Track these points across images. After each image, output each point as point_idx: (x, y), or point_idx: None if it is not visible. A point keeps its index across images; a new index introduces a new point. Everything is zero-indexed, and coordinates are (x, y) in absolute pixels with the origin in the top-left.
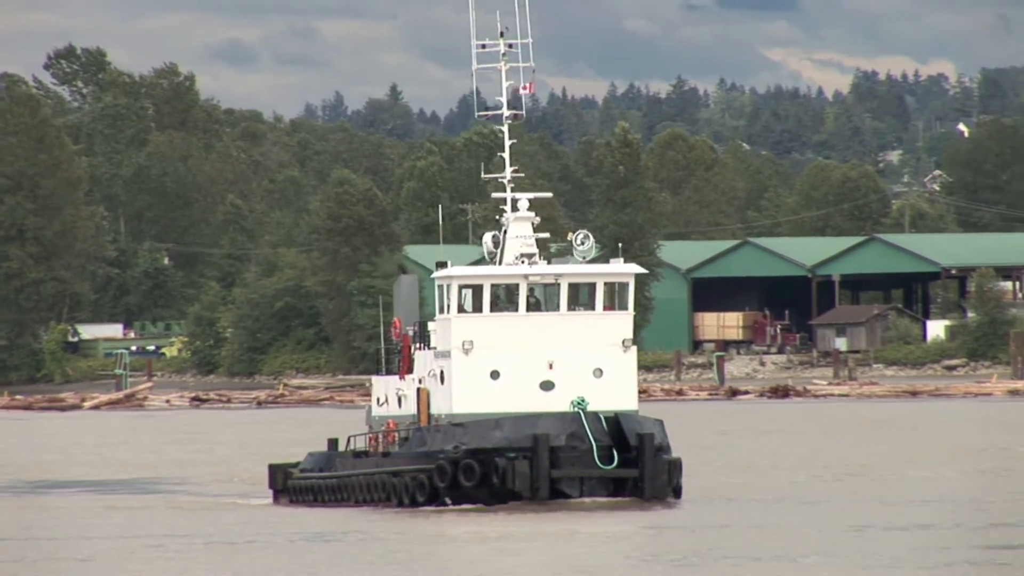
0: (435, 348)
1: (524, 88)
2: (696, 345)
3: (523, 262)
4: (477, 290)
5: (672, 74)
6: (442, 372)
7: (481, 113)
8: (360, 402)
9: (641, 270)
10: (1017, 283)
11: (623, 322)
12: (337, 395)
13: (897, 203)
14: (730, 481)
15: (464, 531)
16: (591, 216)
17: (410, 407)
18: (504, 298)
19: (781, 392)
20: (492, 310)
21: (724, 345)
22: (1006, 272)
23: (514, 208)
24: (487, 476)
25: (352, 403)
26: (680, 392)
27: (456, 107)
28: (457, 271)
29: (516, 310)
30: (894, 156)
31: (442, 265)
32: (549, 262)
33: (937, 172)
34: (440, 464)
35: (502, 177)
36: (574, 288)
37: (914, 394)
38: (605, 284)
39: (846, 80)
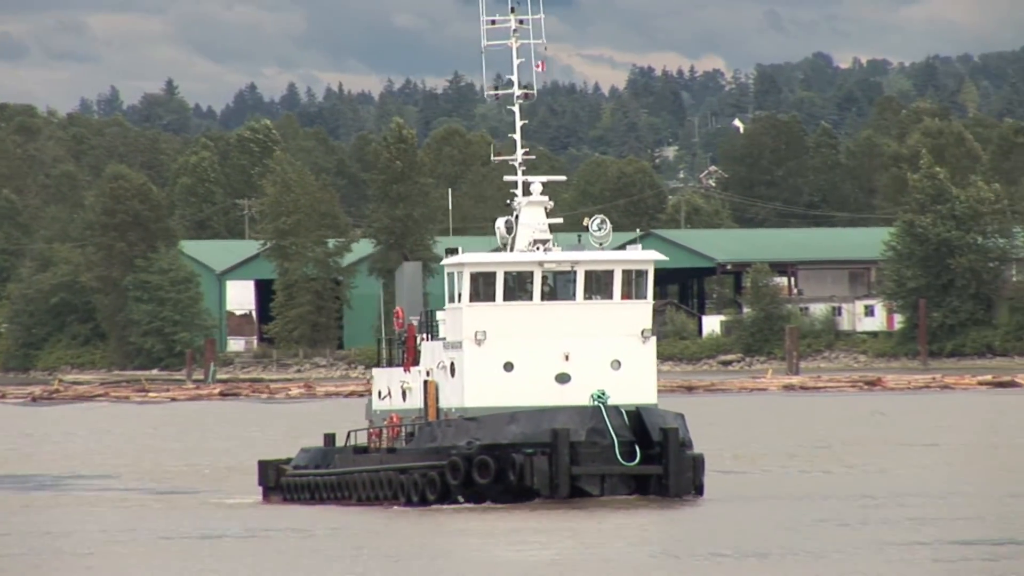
0: (444, 339)
1: (536, 66)
2: None
3: (537, 249)
4: (488, 278)
5: (446, 69)
6: (452, 364)
7: (491, 92)
8: (135, 398)
9: (661, 257)
10: (792, 279)
11: (642, 311)
12: (112, 391)
13: (673, 199)
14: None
15: (485, 529)
16: (367, 211)
17: (415, 401)
18: (516, 286)
19: None
20: (505, 299)
21: None
22: (781, 267)
23: (526, 192)
24: (503, 473)
25: (127, 399)
26: None
27: (232, 102)
28: (469, 258)
29: (530, 299)
30: (670, 152)
31: (453, 252)
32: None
33: (713, 168)
34: (453, 460)
35: (513, 159)
36: (590, 276)
37: (690, 389)
38: (623, 272)
39: (619, 76)
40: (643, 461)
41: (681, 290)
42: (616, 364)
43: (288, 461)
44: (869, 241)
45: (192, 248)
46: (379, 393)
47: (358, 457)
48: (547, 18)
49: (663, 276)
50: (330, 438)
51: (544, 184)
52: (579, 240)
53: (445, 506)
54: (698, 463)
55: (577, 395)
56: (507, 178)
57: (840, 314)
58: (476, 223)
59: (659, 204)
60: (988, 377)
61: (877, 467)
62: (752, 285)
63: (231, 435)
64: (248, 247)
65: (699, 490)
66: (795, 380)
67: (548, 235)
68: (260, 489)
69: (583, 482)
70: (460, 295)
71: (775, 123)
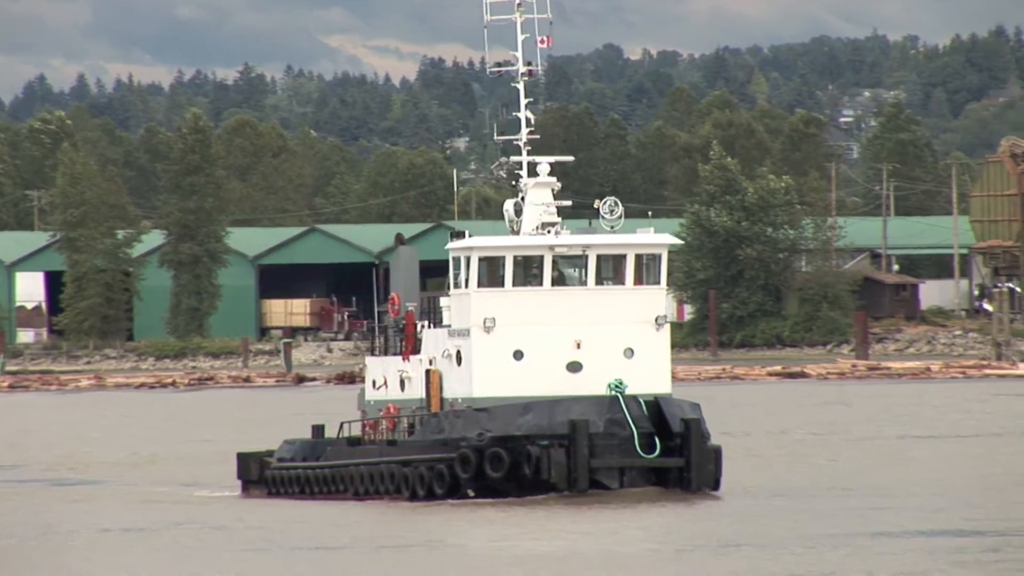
0: (449, 326)
1: (541, 41)
2: (263, 332)
3: (547, 232)
4: (495, 262)
5: (234, 61)
6: (459, 352)
7: (493, 68)
8: None
9: (676, 241)
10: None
11: (656, 297)
12: None
13: (463, 190)
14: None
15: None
16: (158, 203)
17: (415, 391)
18: (523, 271)
19: (348, 378)
20: (514, 284)
21: (291, 332)
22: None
23: (533, 173)
24: (517, 466)
25: None
26: (248, 379)
27: (21, 93)
28: (477, 241)
29: (539, 284)
30: (461, 143)
31: (459, 235)
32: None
33: (504, 159)
34: (463, 453)
35: (517, 139)
36: (601, 260)
37: None
38: (636, 256)
39: (407, 67)
40: (663, 453)
41: None
42: (629, 352)
43: (269, 453)
44: (659, 232)
45: None
46: (373, 383)
47: (353, 449)
48: (332, 10)
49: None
50: (319, 429)
51: (552, 164)
52: (589, 224)
53: (454, 500)
54: (718, 456)
55: (589, 384)
56: (513, 159)
57: None
58: (267, 214)
59: (450, 195)
60: (778, 368)
61: None
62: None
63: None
64: (38, 239)
65: (716, 484)
66: None
67: (556, 218)
68: (239, 483)
69: (601, 475)
70: (468, 280)
71: (566, 114)
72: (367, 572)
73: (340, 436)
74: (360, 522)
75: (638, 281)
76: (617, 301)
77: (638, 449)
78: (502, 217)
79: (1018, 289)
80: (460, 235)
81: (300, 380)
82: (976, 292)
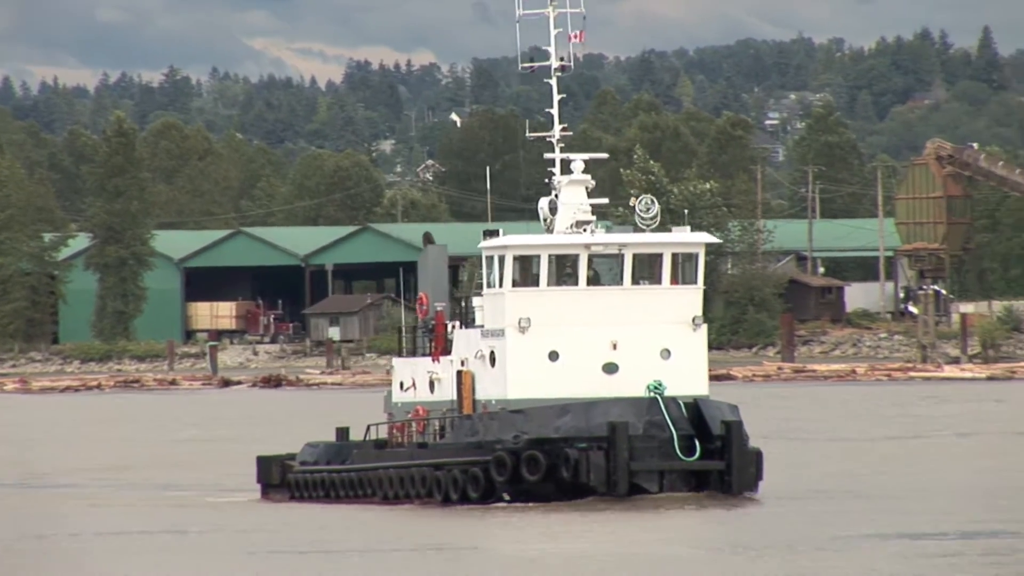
0: (481, 326)
1: (574, 36)
2: (189, 335)
3: (583, 231)
4: (528, 261)
5: (159, 63)
6: (492, 353)
7: (526, 65)
8: None
9: (713, 240)
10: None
11: (692, 297)
12: None
13: (389, 192)
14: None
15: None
16: (82, 205)
17: (445, 392)
18: (556, 271)
19: (274, 381)
20: (549, 284)
21: (217, 335)
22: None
23: (566, 170)
24: (554, 469)
25: None
26: (173, 382)
27: None
28: (511, 240)
29: (575, 284)
30: (387, 146)
31: (492, 234)
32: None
33: (430, 162)
34: (499, 456)
35: (550, 136)
36: (637, 259)
37: None
38: (672, 255)
39: (330, 69)
40: (703, 456)
41: (398, 283)
42: (666, 353)
43: (290, 456)
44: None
45: None
46: (400, 384)
47: (381, 452)
48: (255, 13)
49: (381, 270)
50: (343, 432)
51: (586, 162)
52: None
53: (489, 504)
54: (759, 459)
55: (625, 386)
56: (546, 155)
57: None
58: (193, 216)
59: (376, 198)
60: None
61: None
62: (469, 278)
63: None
64: None
65: (755, 487)
66: None
67: (591, 216)
68: (259, 487)
69: (641, 478)
70: (502, 280)
71: (492, 117)
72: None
73: (367, 439)
74: (396, 526)
75: (674, 280)
76: (653, 301)
77: (678, 452)
78: (429, 219)
79: (943, 292)
80: (493, 234)
81: (226, 383)
82: (901, 295)
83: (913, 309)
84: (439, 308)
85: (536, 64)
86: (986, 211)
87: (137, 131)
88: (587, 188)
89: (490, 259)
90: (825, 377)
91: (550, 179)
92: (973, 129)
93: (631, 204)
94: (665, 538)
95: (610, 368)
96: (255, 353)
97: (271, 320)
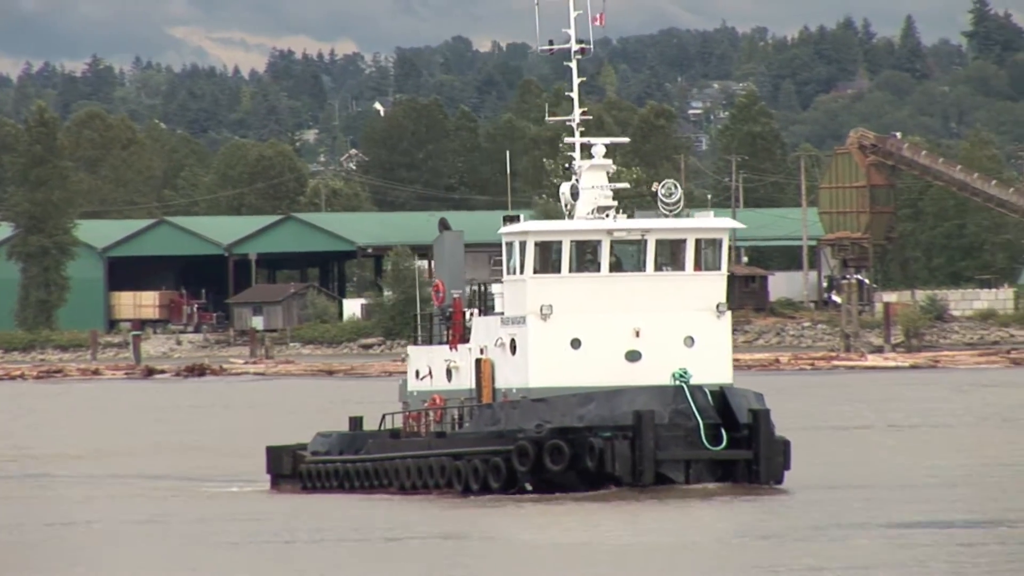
0: (502, 313)
1: (594, 20)
2: (112, 324)
3: (605, 216)
4: (547, 247)
5: (82, 53)
6: (513, 341)
7: (544, 47)
8: None
9: (738, 225)
10: (432, 262)
11: (716, 284)
12: None
13: (312, 182)
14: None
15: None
16: (5, 195)
17: (463, 381)
18: (577, 257)
19: (197, 371)
20: (571, 270)
21: (141, 324)
22: (421, 251)
23: (587, 155)
24: (578, 458)
25: None
26: (96, 372)
27: None
28: (533, 226)
29: (597, 270)
30: (310, 135)
31: (512, 219)
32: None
33: (354, 151)
34: (521, 445)
35: (570, 120)
36: (660, 245)
37: (330, 373)
38: (695, 241)
39: (252, 58)
40: (730, 445)
41: (322, 273)
42: (690, 341)
43: (301, 447)
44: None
45: None
46: (416, 373)
47: (398, 442)
48: (175, 2)
49: (305, 260)
50: (356, 421)
51: (607, 146)
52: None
53: (511, 494)
54: (787, 448)
55: (648, 374)
56: (566, 140)
57: None
58: (117, 206)
59: (299, 187)
60: None
61: None
62: (393, 268)
63: None
64: None
65: (781, 478)
66: None
67: (612, 202)
68: (269, 477)
69: (667, 468)
70: (523, 266)
71: (415, 106)
72: (440, 565)
73: (381, 428)
74: (421, 515)
75: (698, 267)
76: (677, 287)
77: (704, 441)
78: (351, 209)
79: (866, 281)
80: (514, 219)
81: (149, 372)
82: (825, 284)
83: (836, 298)
84: (456, 295)
85: (555, 47)
86: (909, 200)
87: (59, 120)
88: (608, 172)
89: (510, 245)
90: (748, 366)
91: (570, 164)
92: (896, 118)
93: (652, 188)
94: (701, 527)
95: (633, 356)
96: (179, 343)
97: (195, 310)
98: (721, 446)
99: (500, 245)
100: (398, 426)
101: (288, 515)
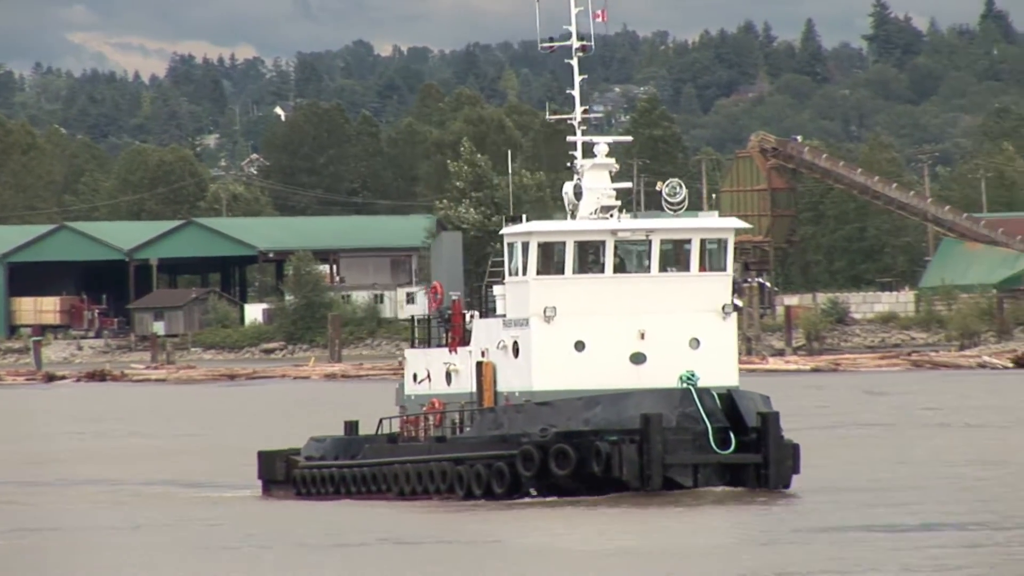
0: (504, 316)
1: (596, 15)
2: (13, 330)
3: (609, 216)
4: (551, 248)
5: None
6: (516, 343)
7: (545, 44)
8: None
9: (744, 225)
10: (334, 266)
11: (722, 285)
12: None
13: (213, 187)
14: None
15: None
16: None
17: (463, 384)
18: (580, 258)
19: (99, 376)
20: (574, 271)
21: (41, 330)
22: (323, 255)
23: (589, 154)
24: (584, 463)
25: None
26: None
27: None
28: (536, 226)
29: (601, 271)
30: (211, 140)
31: (514, 220)
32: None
33: (255, 156)
34: (525, 449)
35: (571, 118)
36: (666, 246)
37: (232, 377)
38: (701, 241)
39: (152, 64)
40: (739, 449)
41: (223, 278)
42: (695, 343)
43: (294, 452)
44: (411, 229)
45: None
46: (414, 376)
47: (395, 447)
48: (73, 8)
49: (206, 264)
50: (352, 426)
51: (609, 145)
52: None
53: (515, 499)
54: (796, 452)
55: (653, 377)
56: (569, 138)
57: (382, 302)
58: (16, 211)
59: (200, 192)
60: None
61: None
62: (294, 273)
63: None
64: None
65: (789, 482)
66: (337, 368)
67: (616, 201)
68: (260, 483)
69: (674, 472)
70: (526, 267)
71: (316, 111)
72: (449, 571)
73: (378, 433)
74: (420, 522)
75: (703, 267)
76: (682, 289)
77: (713, 445)
78: (251, 213)
79: (768, 284)
80: (516, 220)
81: (50, 378)
82: None
83: (738, 301)
84: (455, 297)
85: (556, 44)
86: (810, 204)
87: None
88: (611, 172)
89: (512, 246)
90: None
91: (572, 163)
92: (797, 122)
93: (657, 188)
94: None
95: (638, 358)
96: (79, 348)
97: (95, 315)
98: (730, 450)
99: (400, 251)
100: (396, 430)
101: (293, 521)
